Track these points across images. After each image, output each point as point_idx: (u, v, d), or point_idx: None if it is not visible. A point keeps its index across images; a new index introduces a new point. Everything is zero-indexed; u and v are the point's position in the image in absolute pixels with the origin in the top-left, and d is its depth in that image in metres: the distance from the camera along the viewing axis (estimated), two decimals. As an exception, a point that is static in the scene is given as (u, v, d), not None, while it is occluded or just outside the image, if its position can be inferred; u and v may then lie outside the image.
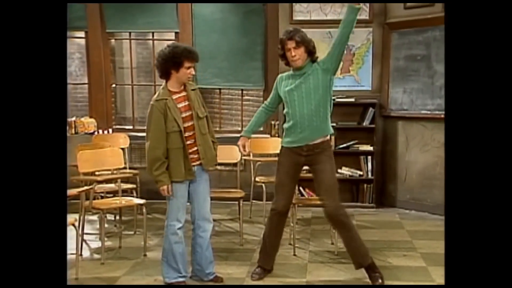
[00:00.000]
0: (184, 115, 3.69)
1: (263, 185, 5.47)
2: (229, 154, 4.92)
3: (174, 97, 3.69)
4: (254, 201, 5.77)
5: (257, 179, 5.66)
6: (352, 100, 6.28)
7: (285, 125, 3.88)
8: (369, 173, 6.32)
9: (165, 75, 3.69)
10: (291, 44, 3.68)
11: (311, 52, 3.76)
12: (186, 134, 3.69)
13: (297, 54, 3.69)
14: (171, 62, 3.61)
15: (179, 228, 3.74)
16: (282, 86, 3.85)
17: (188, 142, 3.70)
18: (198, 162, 3.76)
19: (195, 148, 3.73)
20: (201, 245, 3.84)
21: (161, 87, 3.75)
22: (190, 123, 3.71)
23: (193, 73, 3.71)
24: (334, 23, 6.15)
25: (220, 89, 7.05)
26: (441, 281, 3.87)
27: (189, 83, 3.79)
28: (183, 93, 3.73)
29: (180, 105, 3.69)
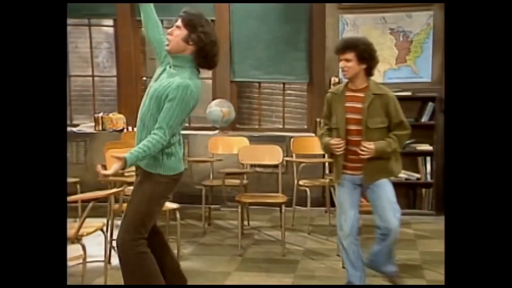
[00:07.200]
0: (349, 116, 3.49)
1: (307, 189, 5.26)
2: (269, 154, 4.92)
3: (348, 93, 3.52)
4: (297, 207, 5.58)
5: (300, 182, 5.45)
6: (409, 93, 5.96)
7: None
8: (428, 176, 6.09)
9: None
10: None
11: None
12: (349, 138, 3.49)
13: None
14: None
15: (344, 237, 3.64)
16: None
17: (350, 148, 3.48)
18: (358, 172, 3.53)
19: (355, 156, 3.49)
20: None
21: None
22: (354, 127, 3.48)
23: (343, 65, 3.48)
24: (389, 7, 6.09)
25: (259, 82, 6.92)
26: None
27: (378, 86, 3.54)
28: (360, 94, 3.49)
29: (348, 104, 3.50)
